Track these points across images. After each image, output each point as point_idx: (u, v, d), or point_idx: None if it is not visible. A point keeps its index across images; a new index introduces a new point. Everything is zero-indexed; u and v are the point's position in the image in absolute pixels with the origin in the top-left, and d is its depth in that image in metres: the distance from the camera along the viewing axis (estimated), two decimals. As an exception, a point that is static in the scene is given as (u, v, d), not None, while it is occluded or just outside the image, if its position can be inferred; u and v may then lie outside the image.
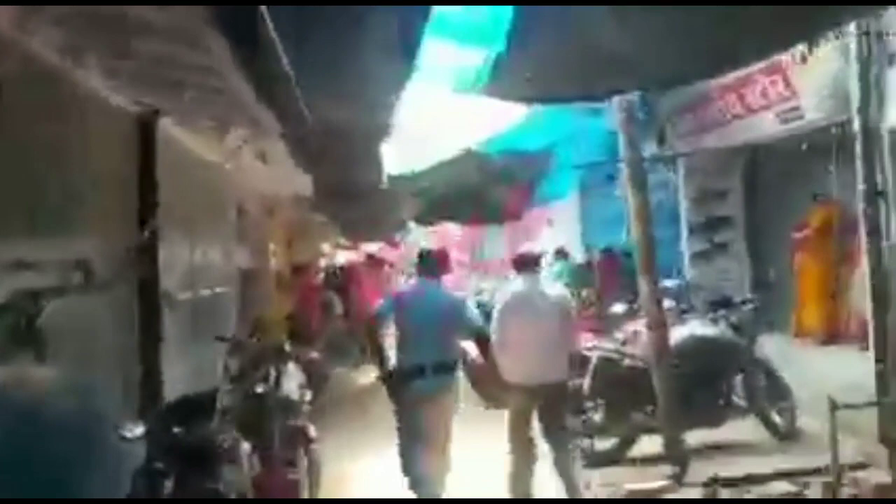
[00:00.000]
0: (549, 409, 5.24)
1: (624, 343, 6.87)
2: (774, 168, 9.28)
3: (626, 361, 5.98)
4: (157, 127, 4.96)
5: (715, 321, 6.22)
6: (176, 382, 5.18)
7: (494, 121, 10.06)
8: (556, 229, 15.45)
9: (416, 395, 5.06)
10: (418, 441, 5.06)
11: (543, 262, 6.34)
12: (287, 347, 6.49)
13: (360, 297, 14.03)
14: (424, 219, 12.82)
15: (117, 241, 4.64)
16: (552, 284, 5.97)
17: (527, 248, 5.84)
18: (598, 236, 14.84)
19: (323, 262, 21.86)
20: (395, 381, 5.17)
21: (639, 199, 5.71)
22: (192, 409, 4.49)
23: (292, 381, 6.42)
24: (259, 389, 5.75)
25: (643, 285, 5.50)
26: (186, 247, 6.05)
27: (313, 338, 11.31)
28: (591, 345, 6.40)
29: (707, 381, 5.82)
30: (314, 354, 6.87)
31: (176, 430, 4.26)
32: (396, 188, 9.37)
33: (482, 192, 10.04)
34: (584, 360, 6.13)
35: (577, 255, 14.13)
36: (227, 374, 4.79)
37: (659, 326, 5.44)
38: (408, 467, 5.14)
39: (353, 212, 10.13)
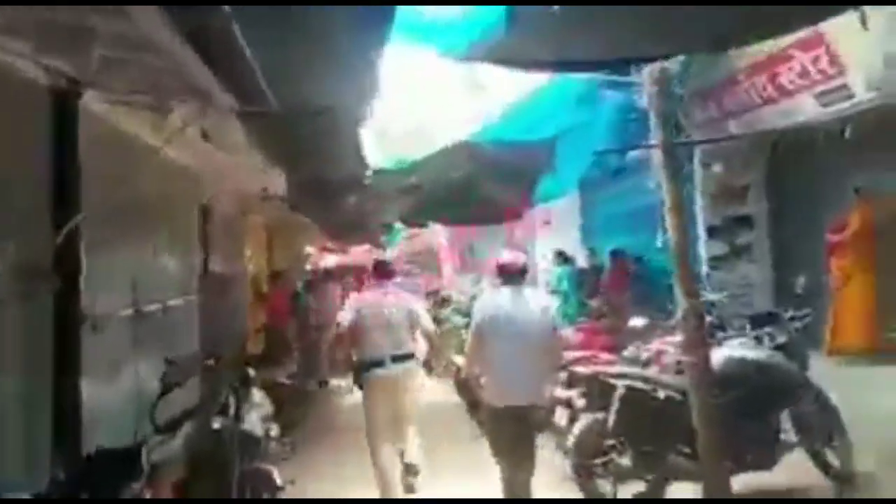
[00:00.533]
0: (519, 434, 4.83)
1: (646, 364, 5.88)
2: (804, 159, 8.27)
3: (660, 392, 4.97)
4: (77, 104, 3.93)
5: (758, 340, 5.23)
6: (105, 426, 4.15)
7: (487, 108, 9.09)
8: (554, 230, 14.49)
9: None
10: None
11: (529, 270, 5.59)
12: (251, 371, 5.48)
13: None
14: (413, 219, 11.75)
15: (23, 246, 3.63)
16: (538, 295, 5.41)
17: (511, 256, 5.32)
18: (601, 238, 13.89)
19: (309, 267, 20.94)
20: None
21: (675, 191, 4.73)
22: (111, 465, 3.47)
23: (255, 413, 5.41)
24: (215, 425, 4.75)
25: (681, 297, 4.48)
26: (127, 252, 5.01)
27: (289, 352, 10.26)
28: (616, 370, 5.42)
29: (755, 415, 4.81)
30: (283, 379, 5.82)
31: (83, 496, 3.25)
32: (381, 184, 8.38)
33: (477, 188, 9.02)
34: (605, 388, 5.14)
35: (579, 259, 13.17)
36: (154, 412, 3.74)
37: (699, 348, 4.44)
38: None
39: (332, 210, 9.09)
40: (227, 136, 5.31)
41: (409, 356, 6.12)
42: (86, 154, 4.04)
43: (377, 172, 7.89)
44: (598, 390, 5.26)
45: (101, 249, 4.43)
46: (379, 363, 5.99)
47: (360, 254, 23.06)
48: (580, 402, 5.70)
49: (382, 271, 6.48)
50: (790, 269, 8.69)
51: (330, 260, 23.18)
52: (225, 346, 9.27)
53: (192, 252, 6.77)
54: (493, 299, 5.18)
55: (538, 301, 5.11)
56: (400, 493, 5.95)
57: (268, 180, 7.46)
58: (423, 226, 13.44)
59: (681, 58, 5.56)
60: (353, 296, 7.14)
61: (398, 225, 14.12)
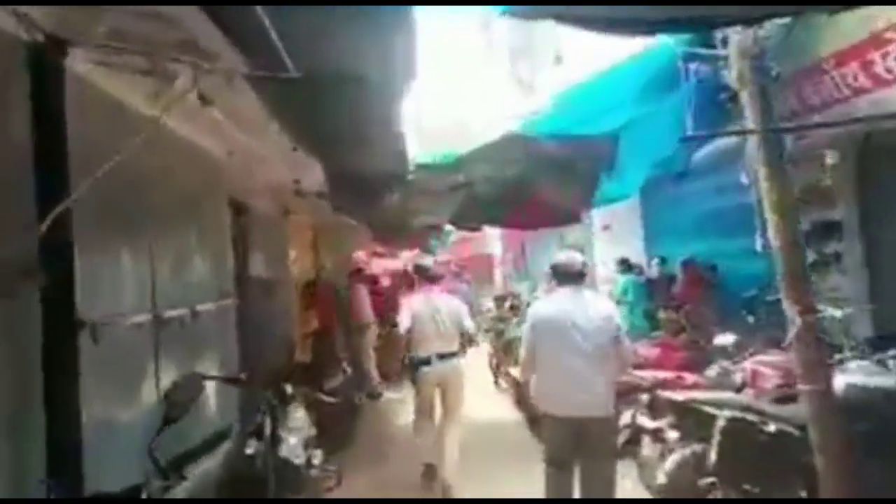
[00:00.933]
0: (588, 448, 4.72)
1: (741, 389, 5.07)
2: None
3: (769, 425, 4.15)
4: (63, 64, 3.32)
5: (883, 364, 4.36)
6: (113, 458, 3.53)
7: (540, 94, 8.34)
8: (614, 236, 13.62)
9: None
10: None
11: (588, 273, 5.60)
12: (288, 388, 4.84)
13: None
14: (462, 220, 11.02)
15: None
16: (598, 300, 5.28)
17: (567, 256, 5.24)
18: (663, 245, 12.98)
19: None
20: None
21: (777, 185, 3.92)
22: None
23: (295, 437, 4.77)
24: (248, 450, 4.15)
25: (793, 312, 3.67)
26: (141, 248, 4.41)
27: (336, 361, 9.61)
28: (714, 397, 4.64)
29: (884, 453, 3.96)
30: (328, 398, 5.19)
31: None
32: (424, 181, 7.69)
33: (532, 186, 8.26)
34: (702, 419, 4.37)
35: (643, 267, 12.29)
36: (154, 448, 3.08)
37: (819, 372, 3.62)
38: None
39: (373, 210, 8.44)
40: (248, 115, 4.68)
41: (454, 354, 6.81)
42: (80, 126, 3.44)
43: (420, 168, 7.19)
44: (692, 420, 4.47)
45: (106, 243, 3.84)
46: (427, 361, 6.70)
47: (409, 259, 22.45)
48: (672, 435, 4.90)
49: (426, 275, 7.20)
50: (887, 280, 7.73)
51: (377, 265, 22.63)
52: (270, 356, 8.71)
53: (224, 252, 6.16)
54: (549, 302, 5.12)
55: (599, 305, 4.93)
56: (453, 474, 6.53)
57: (304, 174, 6.81)
58: (474, 229, 12.68)
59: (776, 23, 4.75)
60: (407, 299, 7.40)
61: (448, 228, 13.41)
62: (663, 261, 11.34)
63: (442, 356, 6.67)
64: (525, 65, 20.36)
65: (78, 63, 3.49)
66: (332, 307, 10.98)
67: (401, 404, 10.54)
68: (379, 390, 11.15)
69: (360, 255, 22.93)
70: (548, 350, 4.82)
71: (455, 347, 6.78)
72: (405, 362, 7.05)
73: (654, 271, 11.43)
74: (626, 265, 11.55)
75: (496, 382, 11.16)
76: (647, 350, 7.58)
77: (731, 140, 10.18)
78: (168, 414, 3.12)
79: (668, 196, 12.54)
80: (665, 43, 6.43)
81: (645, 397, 5.62)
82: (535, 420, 7.35)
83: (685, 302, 9.73)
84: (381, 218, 10.27)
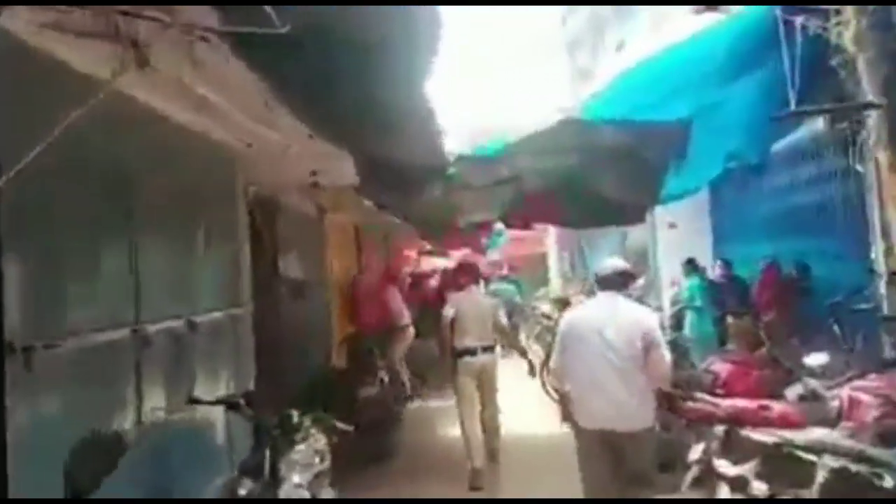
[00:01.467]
0: (625, 464, 4.61)
1: (838, 417, 4.15)
2: None
3: (885, 478, 3.26)
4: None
5: None
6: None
7: (600, 74, 7.44)
8: (681, 235, 12.58)
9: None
10: None
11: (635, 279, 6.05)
12: (293, 414, 4.11)
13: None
14: (511, 218, 10.16)
15: None
16: (635, 308, 5.05)
17: (610, 261, 5.18)
18: (734, 245, 11.89)
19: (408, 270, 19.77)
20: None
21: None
22: None
23: (301, 475, 4.05)
24: (241, 490, 3.46)
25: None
26: (118, 248, 3.72)
27: (373, 368, 8.89)
28: (810, 439, 3.73)
29: None
30: (344, 426, 4.47)
31: None
32: (466, 174, 6.89)
33: (590, 179, 7.37)
34: (797, 466, 3.48)
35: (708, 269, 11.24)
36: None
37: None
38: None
39: (411, 206, 7.69)
40: (251, 98, 3.97)
41: (492, 347, 7.71)
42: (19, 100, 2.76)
43: (461, 160, 6.41)
44: (783, 466, 3.60)
45: (63, 245, 3.15)
46: (470, 352, 7.43)
47: (460, 258, 21.70)
48: (760, 486, 4.01)
49: (469, 274, 8.03)
50: None
51: (427, 263, 21.95)
52: (297, 368, 8.07)
53: (238, 253, 5.48)
54: (582, 309, 5.23)
55: (631, 312, 4.79)
56: (483, 457, 7.35)
57: (331, 166, 6.08)
58: (524, 227, 11.82)
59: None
60: (452, 295, 7.99)
61: (499, 226, 12.57)
62: (727, 263, 10.22)
63: (484, 349, 7.48)
64: (585, 54, 19.41)
65: (18, 24, 2.81)
66: (371, 308, 10.25)
67: (444, 414, 9.78)
68: (406, 395, 10.36)
69: (419, 258, 22.39)
70: (575, 358, 4.80)
71: (492, 341, 7.67)
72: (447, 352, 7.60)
73: (717, 273, 10.32)
74: (692, 266, 10.54)
75: (546, 392, 10.29)
76: (718, 366, 6.63)
77: (817, 125, 9.14)
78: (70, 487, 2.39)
79: (742, 191, 11.45)
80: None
81: (719, 429, 4.71)
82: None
83: (763, 309, 8.70)
84: (424, 215, 9.51)
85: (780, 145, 9.10)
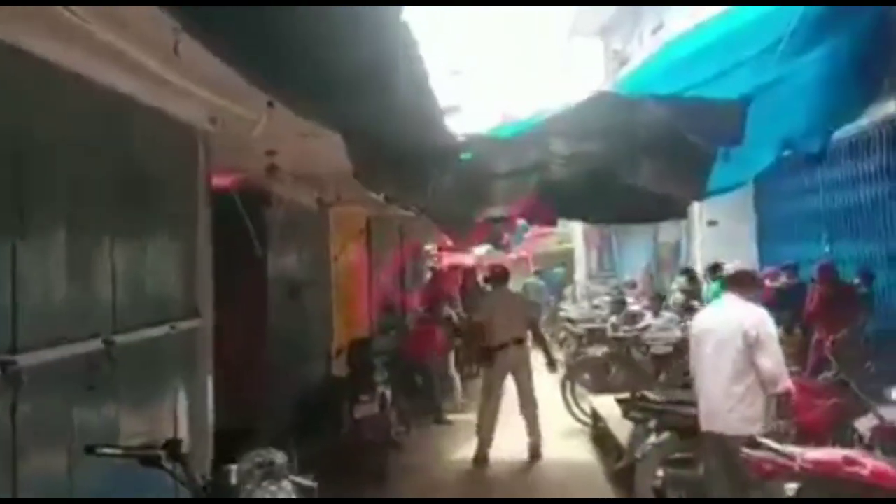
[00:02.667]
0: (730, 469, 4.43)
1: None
2: None
3: None
4: None
5: None
6: None
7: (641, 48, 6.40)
8: (722, 234, 11.44)
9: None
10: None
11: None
12: (233, 475, 3.12)
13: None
14: (536, 215, 9.08)
15: None
16: (745, 309, 4.88)
17: (737, 263, 5.29)
18: (782, 248, 10.74)
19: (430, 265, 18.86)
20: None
21: None
22: None
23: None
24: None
25: None
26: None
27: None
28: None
29: None
30: (308, 483, 3.49)
31: None
32: (482, 160, 5.87)
33: (627, 166, 6.28)
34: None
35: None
36: None
37: None
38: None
39: (417, 195, 6.66)
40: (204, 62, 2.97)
41: (522, 340, 8.21)
42: None
43: (474, 141, 5.39)
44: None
45: None
46: (503, 346, 7.96)
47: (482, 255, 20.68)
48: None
49: (499, 275, 8.91)
50: None
51: (447, 260, 20.99)
52: (289, 382, 7.13)
53: (194, 253, 4.48)
54: (703, 312, 5.44)
55: (739, 312, 4.80)
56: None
57: (320, 148, 5.06)
58: (548, 223, 10.76)
59: None
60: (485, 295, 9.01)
61: (523, 222, 11.51)
62: (793, 269, 9.04)
63: (515, 341, 8.02)
64: (619, 37, 18.29)
65: None
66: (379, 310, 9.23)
67: (453, 432, 8.77)
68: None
69: (440, 253, 21.45)
70: (695, 361, 4.98)
71: (522, 335, 8.21)
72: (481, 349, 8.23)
73: (781, 280, 9.12)
74: (716, 270, 9.42)
75: (570, 413, 9.18)
76: (778, 391, 5.55)
77: (886, 110, 7.99)
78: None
79: (792, 185, 10.30)
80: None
81: (793, 487, 3.64)
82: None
83: (816, 321, 7.57)
84: (438, 208, 8.45)
85: (841, 133, 7.94)
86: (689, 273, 11.12)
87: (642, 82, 6.00)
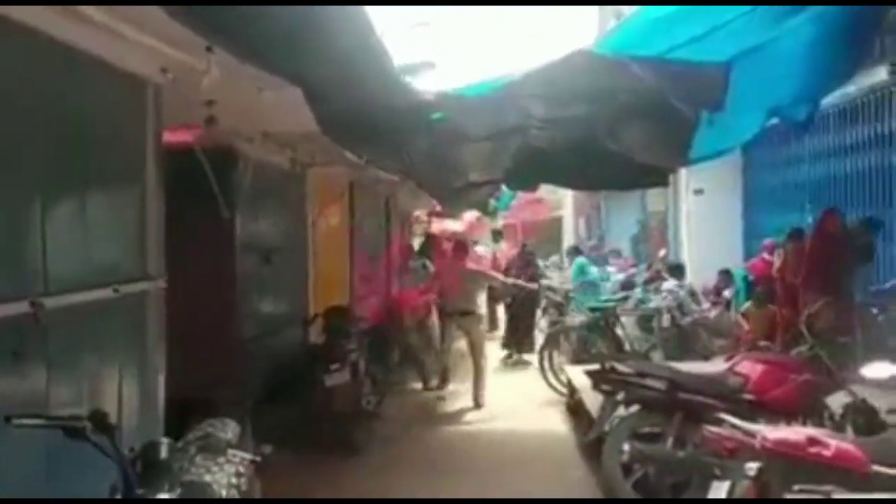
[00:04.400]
0: None
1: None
2: None
3: None
4: None
5: None
6: None
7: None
8: (708, 203, 11.26)
9: None
10: None
11: None
12: (164, 448, 2.96)
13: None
14: (516, 179, 8.87)
15: None
16: None
17: None
18: (771, 216, 10.56)
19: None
20: None
21: None
22: None
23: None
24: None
25: None
26: None
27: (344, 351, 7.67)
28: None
29: None
30: (252, 457, 3.32)
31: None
32: (456, 120, 5.65)
33: (607, 130, 6.07)
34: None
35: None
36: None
37: None
38: None
39: (390, 157, 6.45)
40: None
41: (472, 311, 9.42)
42: None
43: (446, 98, 5.16)
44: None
45: None
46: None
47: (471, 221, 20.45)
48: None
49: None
50: None
51: (436, 226, 20.75)
52: (259, 352, 6.97)
53: (143, 210, 4.28)
54: None
55: None
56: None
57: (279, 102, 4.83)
58: (529, 189, 10.52)
59: None
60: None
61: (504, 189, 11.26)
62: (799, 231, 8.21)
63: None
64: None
65: None
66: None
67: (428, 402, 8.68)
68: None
69: (429, 219, 21.15)
70: None
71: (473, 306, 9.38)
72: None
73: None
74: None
75: (547, 382, 9.07)
76: (747, 367, 5.42)
77: (876, 77, 7.75)
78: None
79: (779, 155, 10.10)
80: None
81: (753, 467, 3.49)
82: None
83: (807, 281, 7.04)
84: (419, 171, 8.21)
85: (828, 100, 7.72)
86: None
87: (622, 43, 5.76)
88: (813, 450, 3.37)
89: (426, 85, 5.59)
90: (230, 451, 3.26)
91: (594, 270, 13.08)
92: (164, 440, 2.92)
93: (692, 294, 9.45)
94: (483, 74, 5.93)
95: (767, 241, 8.98)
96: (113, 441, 2.80)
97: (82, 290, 3.53)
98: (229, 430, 3.84)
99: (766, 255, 8.89)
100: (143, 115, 4.27)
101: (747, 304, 8.55)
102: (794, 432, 3.61)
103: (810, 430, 3.67)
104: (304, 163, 8.66)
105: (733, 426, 3.79)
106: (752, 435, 3.59)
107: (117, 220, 4.01)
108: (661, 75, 5.50)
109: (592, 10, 18.66)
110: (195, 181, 6.10)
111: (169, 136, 5.61)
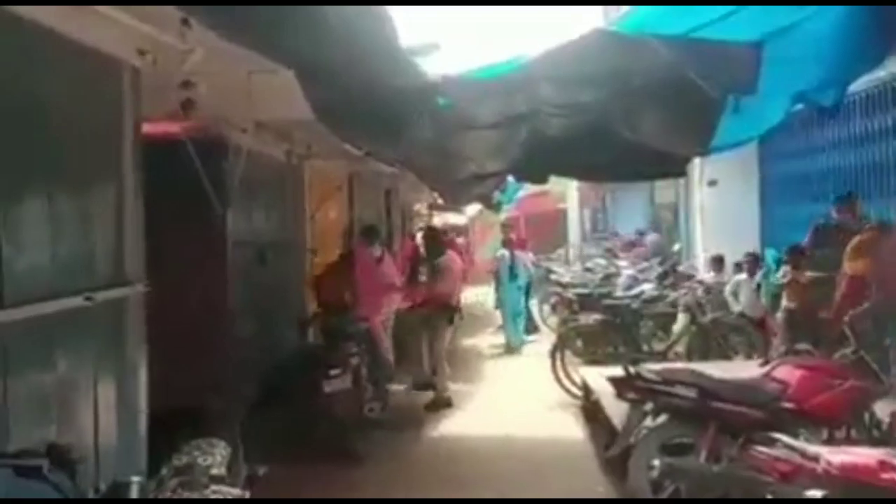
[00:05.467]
0: None
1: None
2: None
3: None
4: None
5: None
6: None
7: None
8: (721, 194, 10.81)
9: None
10: None
11: None
12: (134, 487, 2.54)
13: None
14: (525, 171, 8.42)
15: None
16: None
17: None
18: (788, 210, 10.10)
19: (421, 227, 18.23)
20: None
21: None
22: None
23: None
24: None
25: None
26: None
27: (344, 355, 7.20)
28: None
29: None
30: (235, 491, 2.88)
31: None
32: (467, 108, 5.23)
33: (626, 118, 5.62)
34: None
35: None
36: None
37: None
38: None
39: (391, 147, 6.01)
40: None
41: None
42: None
43: (450, 83, 4.74)
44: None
45: None
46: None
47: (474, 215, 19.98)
48: None
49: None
50: None
51: (439, 220, 20.35)
52: (251, 356, 6.55)
53: (122, 207, 3.83)
54: None
55: None
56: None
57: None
58: (538, 181, 10.07)
59: None
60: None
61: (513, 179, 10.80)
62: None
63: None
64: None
65: None
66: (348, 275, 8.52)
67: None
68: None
69: (430, 213, 20.72)
70: None
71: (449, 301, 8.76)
72: None
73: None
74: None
75: (560, 384, 8.62)
76: (786, 372, 4.97)
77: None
78: None
79: (801, 141, 9.63)
80: None
81: (818, 496, 3.05)
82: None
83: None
84: (420, 162, 7.76)
85: (854, 86, 7.29)
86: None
87: (643, 21, 5.33)
88: (886, 476, 2.95)
89: (430, 68, 5.14)
90: (213, 487, 2.82)
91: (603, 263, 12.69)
92: (136, 479, 2.49)
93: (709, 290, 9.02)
94: (492, 57, 5.48)
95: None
96: (74, 480, 2.38)
97: (47, 300, 3.09)
98: (217, 452, 3.42)
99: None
100: (119, 102, 3.83)
101: (782, 272, 7.72)
102: (863, 455, 3.17)
103: (880, 453, 3.23)
104: (301, 154, 8.24)
105: (787, 446, 3.35)
106: (812, 457, 3.16)
107: (89, 220, 3.57)
108: (687, 54, 5.06)
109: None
110: (184, 175, 5.68)
111: (154, 127, 5.21)
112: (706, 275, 9.08)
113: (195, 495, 2.73)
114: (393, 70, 3.87)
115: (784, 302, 7.51)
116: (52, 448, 2.40)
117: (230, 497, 2.82)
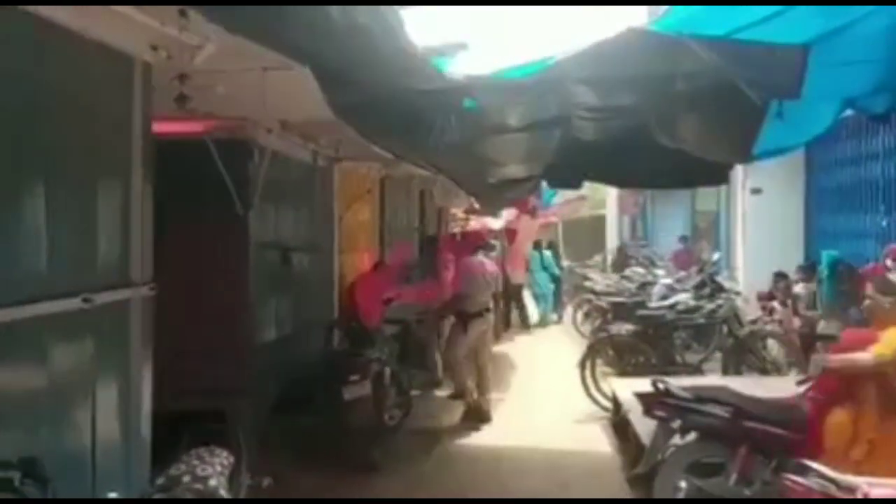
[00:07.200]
0: None
1: None
2: None
3: None
4: None
5: None
6: None
7: None
8: (766, 204, 10.42)
9: None
10: None
11: None
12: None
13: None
14: (557, 176, 8.18)
15: None
16: None
17: None
18: (837, 220, 9.68)
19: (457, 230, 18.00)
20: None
21: None
22: None
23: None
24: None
25: None
26: None
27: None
28: None
29: None
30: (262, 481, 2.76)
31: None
32: (497, 107, 5.05)
33: (664, 121, 5.38)
34: None
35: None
36: None
37: None
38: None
39: (417, 150, 5.84)
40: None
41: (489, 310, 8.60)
42: None
43: (476, 83, 4.55)
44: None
45: None
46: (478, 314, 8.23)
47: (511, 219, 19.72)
48: None
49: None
50: None
51: (476, 223, 20.08)
52: (274, 361, 6.44)
53: (128, 207, 3.72)
54: None
55: None
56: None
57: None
58: (571, 187, 9.79)
59: None
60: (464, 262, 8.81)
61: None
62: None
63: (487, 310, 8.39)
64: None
65: None
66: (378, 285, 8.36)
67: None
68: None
69: (467, 217, 20.48)
70: None
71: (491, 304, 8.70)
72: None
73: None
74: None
75: (589, 395, 8.34)
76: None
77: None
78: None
79: (851, 149, 9.22)
80: None
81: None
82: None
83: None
84: (451, 166, 7.58)
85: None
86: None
87: (683, 21, 5.07)
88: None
89: (458, 68, 4.96)
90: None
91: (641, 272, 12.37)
92: (112, 496, 2.35)
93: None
94: (522, 57, 5.27)
95: (893, 245, 7.86)
96: (46, 495, 2.25)
97: (40, 302, 2.97)
98: (217, 462, 3.29)
99: (888, 262, 7.75)
100: (128, 98, 3.71)
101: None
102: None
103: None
104: (329, 156, 8.11)
105: (822, 476, 3.09)
106: (849, 489, 2.91)
107: (92, 219, 3.45)
108: (729, 56, 4.80)
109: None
110: (206, 174, 5.59)
111: (176, 125, 5.12)
112: (797, 286, 8.38)
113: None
114: (406, 69, 3.69)
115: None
116: (24, 461, 2.28)
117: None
